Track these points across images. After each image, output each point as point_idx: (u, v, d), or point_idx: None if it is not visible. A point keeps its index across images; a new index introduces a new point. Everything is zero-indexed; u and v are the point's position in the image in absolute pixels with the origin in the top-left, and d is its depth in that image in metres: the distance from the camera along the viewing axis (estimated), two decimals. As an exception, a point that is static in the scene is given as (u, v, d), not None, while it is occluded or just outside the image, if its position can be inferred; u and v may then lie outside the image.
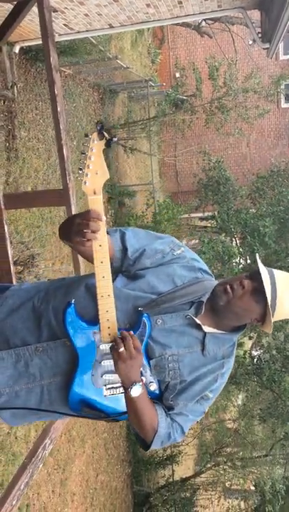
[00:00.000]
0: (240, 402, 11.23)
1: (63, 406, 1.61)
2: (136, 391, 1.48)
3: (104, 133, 1.38)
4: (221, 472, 10.54)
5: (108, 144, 1.39)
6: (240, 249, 9.11)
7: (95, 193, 1.42)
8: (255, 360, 9.41)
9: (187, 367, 1.60)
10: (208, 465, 10.71)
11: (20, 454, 4.89)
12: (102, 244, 1.43)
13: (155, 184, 10.60)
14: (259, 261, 1.63)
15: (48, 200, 2.58)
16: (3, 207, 2.27)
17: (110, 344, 1.48)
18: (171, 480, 10.74)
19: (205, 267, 1.73)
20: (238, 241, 9.39)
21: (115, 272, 1.63)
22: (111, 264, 1.50)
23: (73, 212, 2.40)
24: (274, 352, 8.99)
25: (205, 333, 1.61)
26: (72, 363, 1.55)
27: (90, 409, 1.57)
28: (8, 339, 1.62)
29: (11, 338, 1.61)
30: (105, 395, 1.55)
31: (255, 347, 10.35)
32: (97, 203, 1.42)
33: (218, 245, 8.11)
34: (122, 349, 1.44)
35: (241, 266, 8.82)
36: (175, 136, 13.56)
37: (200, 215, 11.51)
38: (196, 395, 1.64)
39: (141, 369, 1.53)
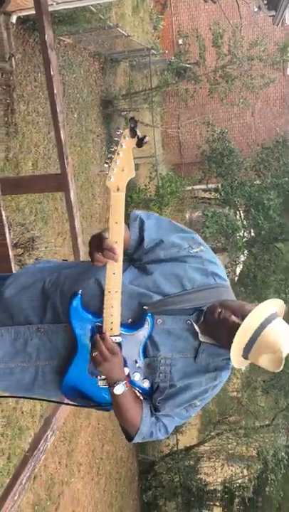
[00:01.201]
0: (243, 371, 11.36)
1: (56, 389, 1.62)
2: (118, 390, 1.49)
3: (137, 131, 1.33)
4: (224, 441, 10.75)
5: (140, 144, 1.34)
6: (244, 223, 9.04)
7: (118, 189, 1.37)
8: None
9: (179, 372, 1.57)
10: (212, 434, 10.92)
11: (26, 428, 4.97)
12: (117, 241, 1.41)
13: (158, 156, 10.43)
14: (258, 307, 1.48)
15: (45, 185, 2.51)
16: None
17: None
18: (175, 449, 10.96)
19: (220, 272, 1.65)
20: (242, 214, 9.31)
21: (126, 260, 1.60)
22: (125, 250, 1.48)
23: (72, 198, 2.34)
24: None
25: (200, 342, 1.56)
26: (70, 349, 1.56)
27: (81, 397, 1.59)
28: (12, 315, 1.63)
29: (16, 315, 1.62)
30: (99, 385, 1.56)
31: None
32: (119, 200, 1.38)
33: (222, 219, 8.04)
34: (95, 353, 1.46)
35: (245, 239, 8.77)
36: (178, 106, 13.29)
37: (203, 187, 11.39)
38: (183, 403, 1.62)
39: (137, 364, 1.54)
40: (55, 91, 2.28)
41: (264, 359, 1.46)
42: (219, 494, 11.26)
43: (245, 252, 9.02)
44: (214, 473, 11.25)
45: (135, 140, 1.33)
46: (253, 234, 9.10)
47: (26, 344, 1.59)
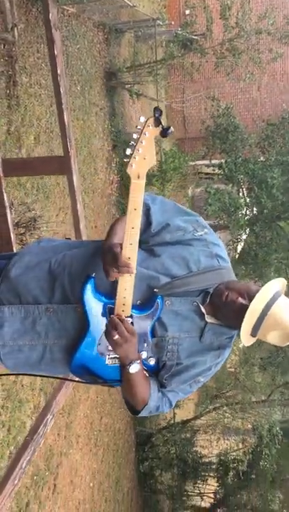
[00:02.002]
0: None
1: (63, 366, 1.66)
2: (134, 369, 1.54)
3: (161, 120, 1.33)
4: (221, 415, 10.94)
5: (164, 134, 1.35)
6: (247, 201, 8.97)
7: (138, 177, 1.38)
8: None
9: (185, 351, 1.63)
10: (209, 408, 11.10)
11: (26, 401, 5.04)
12: (134, 227, 1.43)
13: (162, 131, 10.27)
14: (263, 288, 1.56)
15: (48, 168, 2.47)
16: (1, 174, 2.18)
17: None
18: (172, 422, 11.16)
19: (223, 253, 1.71)
20: (245, 192, 9.23)
21: None
22: None
23: (74, 182, 2.30)
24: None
25: (206, 323, 1.63)
26: (79, 329, 1.59)
27: (88, 375, 1.63)
28: (19, 295, 1.65)
29: (23, 294, 1.64)
30: (107, 364, 1.60)
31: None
32: (139, 188, 1.40)
33: (225, 196, 7.98)
34: (116, 337, 1.48)
35: (247, 217, 8.72)
36: (183, 80, 13.04)
37: (206, 162, 11.26)
38: (188, 379, 1.69)
39: (145, 344, 1.59)
40: (58, 71, 2.21)
41: (272, 336, 1.55)
42: (214, 466, 11.51)
43: (247, 230, 8.99)
44: (210, 446, 11.49)
45: (159, 129, 1.34)
46: (255, 212, 9.05)
47: (35, 323, 1.62)
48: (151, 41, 10.89)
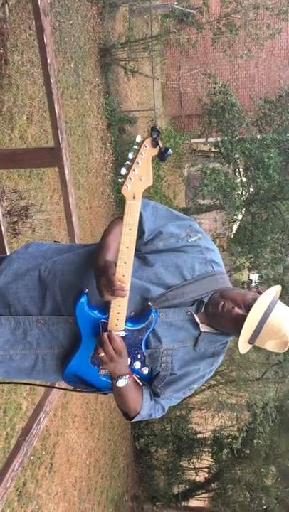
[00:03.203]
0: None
1: (56, 374, 1.65)
2: (121, 383, 1.52)
3: (159, 141, 1.29)
4: (216, 393, 11.08)
5: (162, 156, 1.31)
6: (243, 180, 8.90)
7: (134, 197, 1.35)
8: (252, 286, 9.53)
9: (179, 361, 1.62)
10: (204, 386, 11.22)
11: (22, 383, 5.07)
12: (129, 247, 1.40)
13: (157, 110, 10.12)
14: (260, 298, 1.53)
15: (39, 160, 2.39)
16: (-12, 167, 2.12)
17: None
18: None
19: (217, 258, 1.69)
20: (241, 171, 9.15)
21: None
22: None
23: (66, 175, 2.24)
24: (272, 283, 9.07)
25: (200, 332, 1.61)
26: (72, 339, 1.57)
27: (81, 383, 1.62)
28: (9, 305, 1.61)
29: (14, 304, 1.61)
30: (100, 374, 1.59)
31: (252, 272, 10.38)
32: (134, 209, 1.37)
33: (221, 177, 7.90)
34: (102, 354, 1.46)
35: (243, 198, 8.66)
36: (179, 56, 12.78)
37: (203, 140, 11.14)
38: (182, 388, 1.69)
39: (139, 355, 1.57)
40: (48, 61, 2.12)
41: (270, 344, 1.55)
42: (209, 442, 11.71)
43: (243, 210, 8.94)
44: (204, 424, 11.66)
45: (156, 150, 1.29)
46: (252, 190, 8.98)
47: (26, 334, 1.60)
48: (147, 15, 10.64)
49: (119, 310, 1.46)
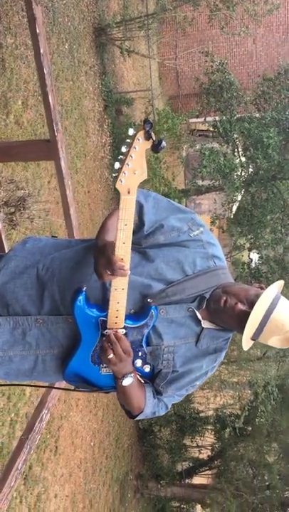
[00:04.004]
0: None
1: (56, 375, 1.63)
2: (126, 382, 1.50)
3: (152, 134, 1.25)
4: (217, 372, 11.17)
5: (155, 149, 1.27)
6: (242, 161, 8.82)
7: (129, 192, 1.32)
8: (253, 267, 9.53)
9: (181, 358, 1.60)
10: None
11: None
12: (125, 242, 1.37)
13: (154, 90, 9.98)
14: (264, 294, 1.51)
15: (34, 153, 2.34)
16: (-18, 162, 2.08)
17: (110, 332, 1.48)
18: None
19: (219, 253, 1.66)
20: (240, 151, 9.05)
21: None
22: None
23: (63, 167, 2.20)
24: (272, 263, 9.06)
25: (202, 328, 1.59)
26: (71, 339, 1.55)
27: (82, 383, 1.60)
28: (8, 304, 1.59)
29: (12, 304, 1.59)
30: (101, 373, 1.57)
31: (252, 251, 10.35)
32: (129, 203, 1.34)
33: (220, 157, 7.82)
34: (111, 355, 1.44)
35: (243, 178, 8.59)
36: (176, 34, 12.54)
37: (201, 120, 11.01)
38: (185, 385, 1.67)
39: (140, 353, 1.55)
40: (41, 51, 2.06)
41: (273, 340, 1.54)
42: (212, 420, 11.86)
43: (242, 190, 8.87)
44: (207, 403, 11.79)
45: (150, 143, 1.26)
46: (251, 170, 8.90)
47: (25, 334, 1.58)
48: (142, -8, 10.40)
49: (118, 307, 1.44)
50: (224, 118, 8.84)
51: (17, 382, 1.73)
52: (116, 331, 1.46)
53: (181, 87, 13.92)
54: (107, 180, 8.57)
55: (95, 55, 8.48)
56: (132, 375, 1.51)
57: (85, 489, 7.47)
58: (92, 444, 7.94)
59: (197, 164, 8.49)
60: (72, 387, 1.67)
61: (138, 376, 1.61)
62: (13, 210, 2.61)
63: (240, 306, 1.52)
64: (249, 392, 11.06)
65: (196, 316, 1.57)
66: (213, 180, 8.60)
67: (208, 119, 10.23)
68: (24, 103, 5.46)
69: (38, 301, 1.58)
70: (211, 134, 10.28)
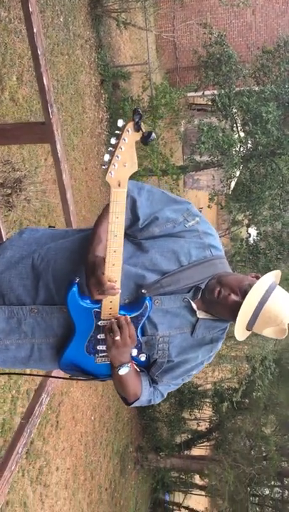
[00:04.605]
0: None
1: (53, 363, 1.64)
2: (123, 371, 1.51)
3: (142, 125, 1.24)
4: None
5: (144, 141, 1.25)
6: (241, 136, 8.72)
7: (119, 185, 1.31)
8: (251, 243, 9.53)
9: (176, 348, 1.60)
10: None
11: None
12: (117, 235, 1.36)
13: (152, 63, 9.79)
14: (257, 284, 1.49)
15: (28, 136, 2.29)
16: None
17: (107, 322, 1.48)
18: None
19: (216, 243, 1.64)
20: (239, 127, 8.95)
21: None
22: None
23: (58, 150, 2.16)
24: (270, 240, 9.07)
25: (198, 319, 1.58)
26: (66, 328, 1.56)
27: (78, 371, 1.62)
28: (3, 294, 1.60)
29: (7, 294, 1.59)
30: (96, 362, 1.58)
31: (251, 226, 10.32)
32: (120, 196, 1.33)
33: (218, 133, 7.73)
34: (118, 337, 1.44)
35: (241, 154, 8.51)
36: (173, 5, 12.23)
37: (199, 94, 10.84)
38: (180, 375, 1.68)
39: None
40: (35, 30, 1.99)
41: (268, 331, 1.51)
42: (210, 393, 12.06)
43: (241, 166, 8.80)
44: (205, 377, 11.96)
45: (139, 134, 1.25)
46: (250, 146, 8.80)
47: (20, 323, 1.58)
48: None
49: (112, 299, 1.44)
50: (223, 92, 8.70)
51: (14, 370, 1.74)
52: (126, 316, 1.47)
53: (179, 60, 13.67)
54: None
55: (90, 27, 8.29)
56: (129, 364, 1.52)
57: (86, 462, 7.63)
58: (92, 418, 8.08)
59: (195, 140, 8.40)
60: (68, 376, 1.69)
61: (134, 365, 1.61)
62: (9, 191, 2.59)
63: (233, 297, 1.51)
64: (247, 366, 11.21)
65: (192, 306, 1.57)
66: (212, 157, 8.52)
67: (207, 92, 10.07)
68: (19, 79, 5.37)
69: (33, 290, 1.58)
70: (209, 109, 10.15)
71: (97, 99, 8.45)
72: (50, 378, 2.12)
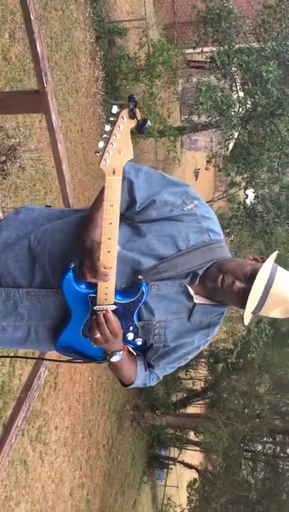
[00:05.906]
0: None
1: (49, 345, 1.65)
2: (115, 359, 1.51)
3: (137, 113, 1.19)
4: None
5: (139, 129, 1.21)
6: (240, 96, 8.51)
7: (114, 172, 1.28)
8: (248, 206, 9.49)
9: (173, 333, 1.59)
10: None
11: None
12: (112, 223, 1.34)
13: (149, 19, 9.43)
14: (261, 269, 1.47)
15: (22, 105, 2.19)
16: None
17: (103, 306, 1.47)
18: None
19: (215, 227, 1.60)
20: (238, 86, 8.72)
21: None
22: None
23: (53, 120, 2.07)
24: (268, 203, 9.01)
25: (195, 304, 1.57)
26: (62, 311, 1.56)
27: (75, 353, 1.62)
28: (0, 276, 1.59)
29: (4, 276, 1.58)
30: (93, 345, 1.56)
31: (248, 189, 10.23)
32: (115, 184, 1.30)
33: (217, 93, 7.54)
34: (98, 335, 1.44)
35: (240, 115, 8.33)
36: None
37: (198, 51, 10.52)
38: (176, 360, 1.67)
39: (131, 327, 1.55)
40: None
41: (275, 312, 1.53)
42: (205, 354, 12.29)
43: (239, 128, 8.64)
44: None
45: (134, 122, 1.21)
46: (249, 106, 8.61)
47: (17, 306, 1.58)
48: None
49: (107, 284, 1.43)
50: (222, 49, 8.43)
51: (16, 353, 1.74)
52: (106, 311, 1.46)
53: (177, 15, 13.17)
54: (100, 117, 8.31)
55: (85, -20, 7.94)
56: (121, 352, 1.52)
57: (84, 420, 7.83)
58: (90, 379, 8.24)
59: (193, 100, 8.21)
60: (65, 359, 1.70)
61: (130, 348, 1.62)
62: (3, 159, 2.52)
63: (238, 284, 1.49)
64: (242, 327, 11.38)
65: (189, 291, 1.55)
66: (210, 118, 8.35)
67: (206, 49, 9.76)
68: (11, 36, 5.18)
69: (29, 273, 1.57)
70: (207, 66, 9.85)
71: (93, 57, 8.19)
72: (50, 353, 2.13)
